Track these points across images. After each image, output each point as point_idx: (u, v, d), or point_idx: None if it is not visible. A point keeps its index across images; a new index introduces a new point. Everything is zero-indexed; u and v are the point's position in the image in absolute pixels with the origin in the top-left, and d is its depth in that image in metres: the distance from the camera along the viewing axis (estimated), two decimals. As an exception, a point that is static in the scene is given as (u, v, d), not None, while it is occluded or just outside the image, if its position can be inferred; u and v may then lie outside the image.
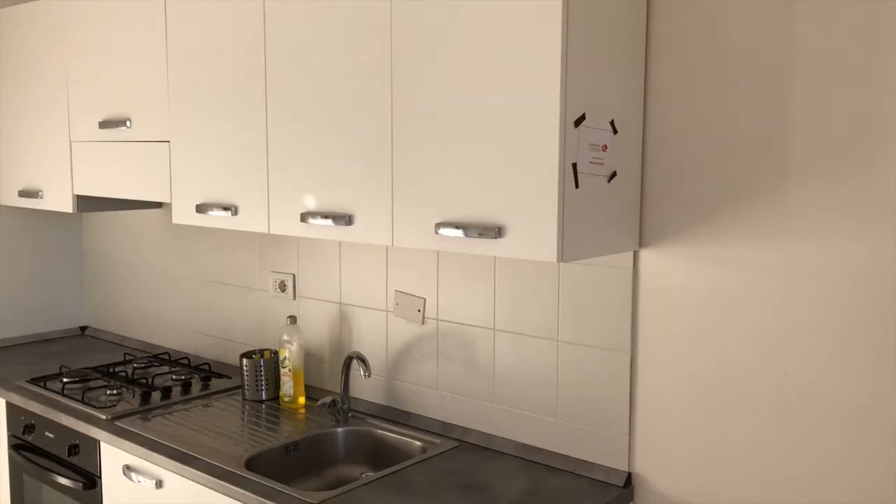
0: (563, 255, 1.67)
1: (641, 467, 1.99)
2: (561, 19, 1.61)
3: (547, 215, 1.66)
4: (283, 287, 2.79)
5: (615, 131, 1.79)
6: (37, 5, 2.97)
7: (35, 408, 2.64)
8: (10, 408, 2.78)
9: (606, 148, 1.76)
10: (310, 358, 2.72)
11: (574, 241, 1.70)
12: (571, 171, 1.67)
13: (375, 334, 2.53)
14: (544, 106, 1.65)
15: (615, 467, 2.02)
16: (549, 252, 1.67)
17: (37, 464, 2.65)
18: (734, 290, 1.81)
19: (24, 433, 2.72)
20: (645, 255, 1.94)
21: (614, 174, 1.81)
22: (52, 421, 2.59)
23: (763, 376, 1.79)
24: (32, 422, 2.69)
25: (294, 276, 2.76)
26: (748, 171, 1.77)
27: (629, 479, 2.00)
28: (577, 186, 1.69)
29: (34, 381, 2.82)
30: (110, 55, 2.69)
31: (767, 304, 1.77)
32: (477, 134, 1.77)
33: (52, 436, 2.61)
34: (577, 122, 1.67)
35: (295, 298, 2.76)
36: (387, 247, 2.47)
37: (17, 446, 2.76)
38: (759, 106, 1.74)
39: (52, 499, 2.64)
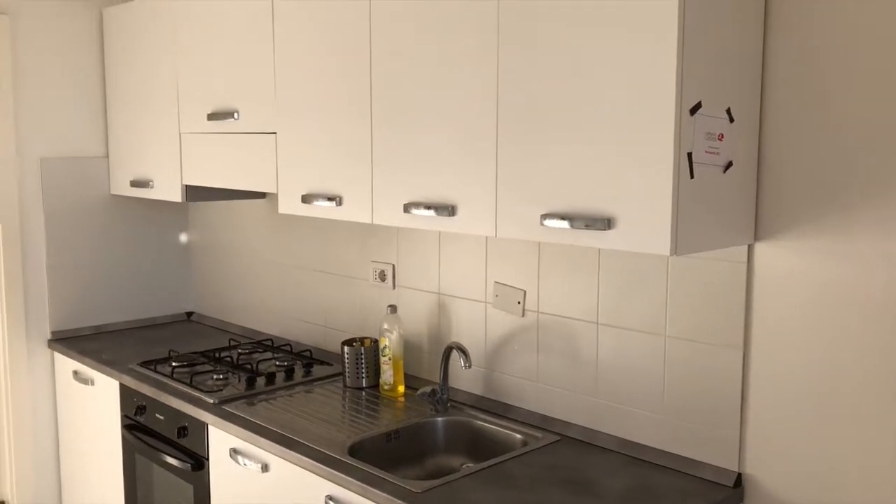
0: (677, 248, 1.62)
1: (752, 468, 1.92)
2: (678, 1, 1.55)
3: (660, 207, 1.62)
4: (382, 277, 2.81)
5: (732, 119, 1.73)
6: (149, 3, 3.07)
7: (146, 390, 2.74)
8: (123, 389, 2.91)
9: (723, 137, 1.70)
10: (409, 347, 2.74)
11: (688, 234, 1.65)
12: (686, 161, 1.62)
13: (474, 325, 2.52)
14: (659, 92, 1.59)
15: (724, 467, 1.95)
16: (661, 245, 1.62)
17: (148, 444, 2.75)
18: (856, 285, 1.72)
19: (136, 414, 2.83)
20: (760, 248, 1.86)
21: (730, 164, 1.74)
22: (162, 403, 2.69)
23: (886, 378, 1.69)
24: (144, 403, 2.80)
25: (394, 266, 2.77)
26: (876, 163, 1.67)
27: (739, 480, 1.93)
28: (692, 177, 1.64)
29: (145, 364, 2.94)
30: (219, 49, 2.76)
31: (892, 302, 1.67)
32: (586, 122, 1.73)
33: (161, 417, 2.71)
34: (693, 110, 1.62)
35: (394, 288, 2.78)
36: (486, 238, 2.45)
37: (130, 426, 2.87)
38: (889, 92, 1.64)
39: (162, 478, 2.74)
